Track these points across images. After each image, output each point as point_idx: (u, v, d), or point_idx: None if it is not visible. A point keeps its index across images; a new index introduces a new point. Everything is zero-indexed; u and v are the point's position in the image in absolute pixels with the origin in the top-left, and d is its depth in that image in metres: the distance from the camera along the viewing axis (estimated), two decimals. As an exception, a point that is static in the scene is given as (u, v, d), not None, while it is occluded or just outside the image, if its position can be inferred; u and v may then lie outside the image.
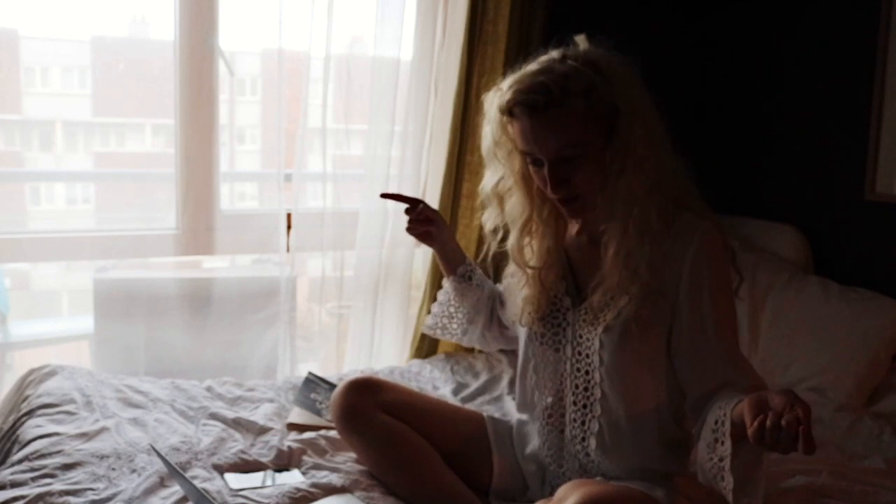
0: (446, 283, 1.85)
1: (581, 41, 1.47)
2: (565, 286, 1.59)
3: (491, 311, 1.81)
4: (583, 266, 1.57)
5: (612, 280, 1.46)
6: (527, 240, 1.59)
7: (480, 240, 2.57)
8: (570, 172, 1.44)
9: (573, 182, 1.45)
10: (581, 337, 1.54)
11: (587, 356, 1.53)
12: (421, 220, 1.76)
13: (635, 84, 1.44)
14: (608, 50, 1.45)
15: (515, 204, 1.58)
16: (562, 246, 1.60)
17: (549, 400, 1.60)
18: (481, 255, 1.75)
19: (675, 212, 1.47)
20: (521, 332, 1.66)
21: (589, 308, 1.52)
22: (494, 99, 1.49)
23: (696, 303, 1.45)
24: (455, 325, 1.83)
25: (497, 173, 1.58)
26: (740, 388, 1.37)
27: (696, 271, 1.44)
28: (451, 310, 1.83)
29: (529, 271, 1.58)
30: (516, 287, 1.62)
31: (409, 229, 1.78)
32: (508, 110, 1.45)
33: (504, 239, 1.65)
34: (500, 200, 1.61)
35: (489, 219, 1.65)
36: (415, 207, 1.77)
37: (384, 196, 1.83)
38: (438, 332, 1.88)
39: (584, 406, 1.55)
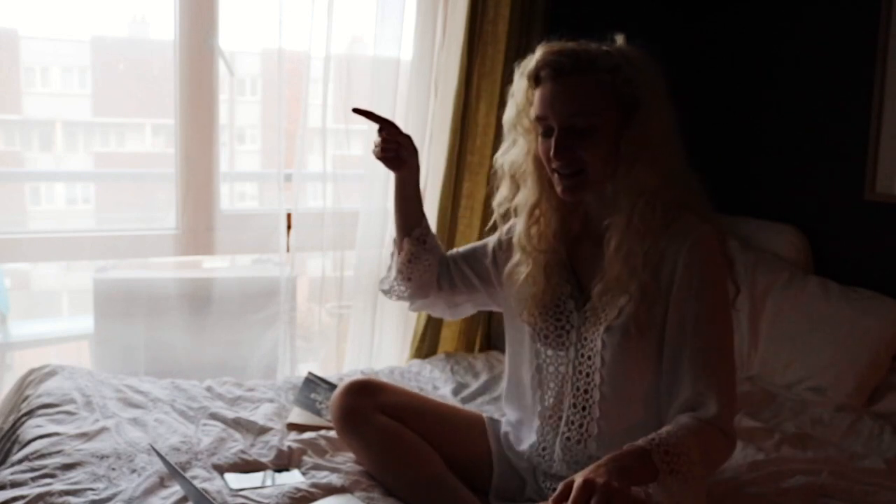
0: (404, 245, 1.74)
1: (619, 39, 1.51)
2: (570, 289, 1.58)
3: (440, 279, 1.76)
4: (587, 269, 1.57)
5: (612, 273, 1.47)
6: (534, 229, 1.59)
7: (480, 239, 2.57)
8: (576, 146, 1.45)
9: (577, 157, 1.46)
10: (585, 339, 1.54)
11: (589, 357, 1.53)
12: (391, 145, 1.66)
13: (660, 83, 1.48)
14: (643, 52, 1.50)
15: (526, 189, 1.58)
16: (566, 242, 1.59)
17: (550, 401, 1.60)
18: (493, 247, 1.72)
19: (677, 212, 1.47)
20: (524, 332, 1.65)
21: (591, 309, 1.52)
22: (526, 65, 1.52)
23: (678, 308, 1.45)
24: (405, 287, 1.75)
25: (514, 147, 1.59)
26: (693, 420, 1.38)
27: (685, 274, 1.44)
28: (405, 272, 1.74)
29: (533, 256, 1.58)
30: (521, 282, 1.61)
31: (380, 150, 1.66)
32: (536, 74, 1.49)
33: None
34: (516, 185, 1.61)
35: (501, 202, 1.64)
36: (387, 129, 1.67)
37: (356, 111, 1.71)
38: (394, 297, 1.80)
39: (584, 409, 1.55)
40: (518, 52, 2.51)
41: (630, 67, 1.45)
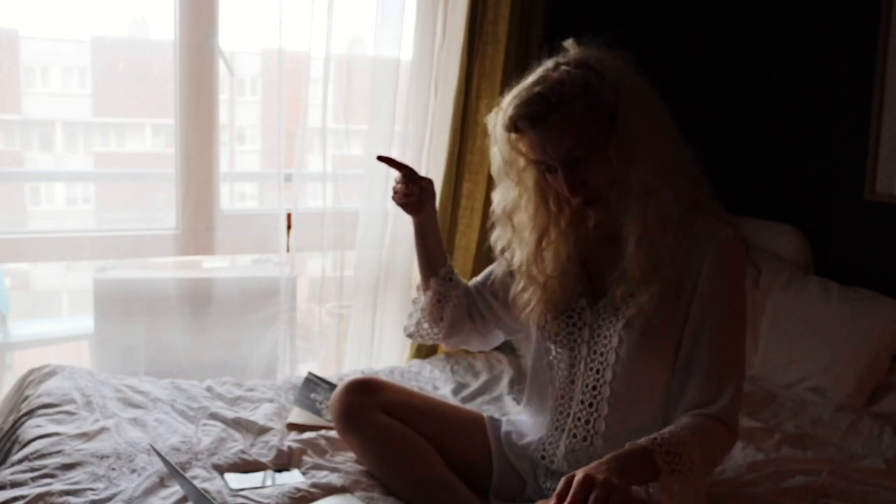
0: (428, 286, 1.75)
1: (571, 46, 1.49)
2: (581, 288, 1.59)
3: (471, 312, 1.76)
4: (599, 264, 1.58)
5: (634, 273, 1.46)
6: (545, 254, 1.58)
7: (480, 240, 2.57)
8: (583, 173, 1.45)
9: (590, 182, 1.46)
10: (599, 336, 1.54)
11: (601, 354, 1.54)
12: (414, 190, 1.66)
13: (629, 74, 1.46)
14: (598, 48, 1.47)
15: (530, 217, 1.57)
16: (578, 249, 1.59)
17: (560, 398, 1.60)
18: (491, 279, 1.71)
19: (695, 213, 1.48)
20: (533, 331, 1.66)
21: (609, 305, 1.52)
22: (497, 119, 1.50)
23: (701, 310, 1.46)
24: (437, 329, 1.76)
25: (509, 192, 1.58)
26: (696, 419, 1.40)
27: (710, 280, 1.45)
28: (435, 313, 1.74)
29: (544, 280, 1.57)
30: (531, 293, 1.60)
31: (402, 197, 1.66)
32: (514, 126, 1.46)
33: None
34: (510, 219, 1.60)
35: (499, 238, 1.63)
36: (409, 175, 1.66)
37: (380, 159, 1.71)
38: (419, 336, 1.80)
39: (591, 405, 1.55)
40: (518, 52, 2.52)
41: (596, 75, 1.42)
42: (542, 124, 1.43)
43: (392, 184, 1.71)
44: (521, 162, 1.52)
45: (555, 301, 1.58)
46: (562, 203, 1.54)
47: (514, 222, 1.59)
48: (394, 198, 1.69)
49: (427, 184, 1.68)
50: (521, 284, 1.62)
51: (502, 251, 1.65)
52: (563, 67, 1.44)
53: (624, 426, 1.52)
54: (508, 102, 1.47)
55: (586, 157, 1.44)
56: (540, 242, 1.57)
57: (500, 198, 1.60)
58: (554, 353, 1.61)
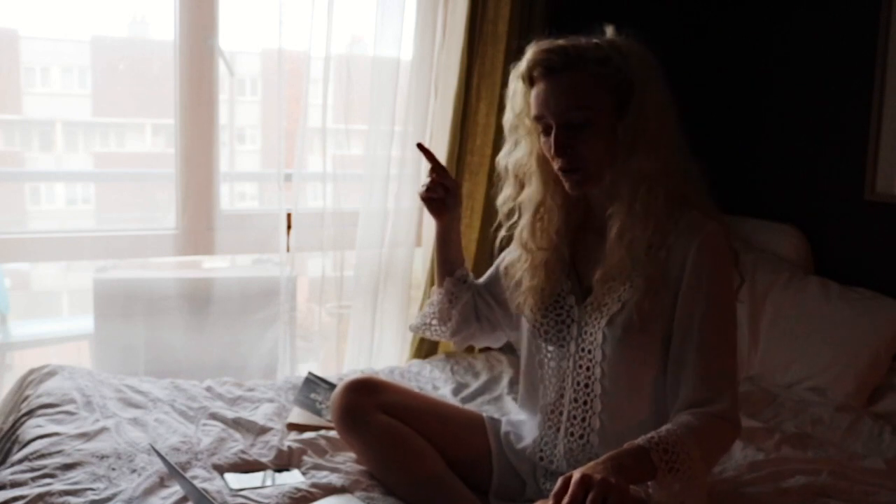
0: (442, 285, 1.78)
1: (609, 31, 1.52)
2: (570, 285, 1.59)
3: (478, 312, 1.78)
4: (587, 261, 1.58)
5: (613, 259, 1.47)
6: (539, 224, 1.60)
7: (480, 240, 2.57)
8: (576, 141, 1.46)
9: (578, 152, 1.46)
10: (586, 333, 1.54)
11: (589, 351, 1.54)
12: (438, 188, 1.69)
13: (652, 69, 1.48)
14: (632, 39, 1.50)
15: (531, 188, 1.59)
16: (568, 236, 1.60)
17: (552, 396, 1.60)
18: (499, 236, 1.69)
19: (682, 208, 1.48)
20: (524, 329, 1.66)
21: (595, 302, 1.53)
22: (519, 67, 1.53)
23: (688, 308, 1.45)
24: (445, 328, 1.79)
25: (517, 148, 1.60)
26: (694, 417, 1.39)
27: (695, 272, 1.45)
28: (445, 312, 1.77)
29: (535, 254, 1.59)
30: (521, 275, 1.62)
31: (425, 191, 1.69)
32: (529, 74, 1.49)
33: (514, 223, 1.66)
34: (520, 183, 1.61)
35: (505, 200, 1.65)
36: (438, 172, 1.70)
37: (420, 147, 1.75)
38: (427, 332, 1.83)
39: (585, 403, 1.55)
40: (518, 52, 2.51)
41: (620, 57, 1.45)
42: (553, 76, 1.46)
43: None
44: (528, 122, 1.54)
45: (544, 287, 1.58)
46: (558, 180, 1.54)
47: (524, 182, 1.61)
48: (419, 193, 1.71)
49: (452, 185, 1.70)
50: (516, 254, 1.63)
51: (508, 214, 1.65)
52: (595, 40, 1.48)
53: (619, 423, 1.52)
54: (531, 50, 1.50)
55: (583, 127, 1.45)
56: (536, 213, 1.59)
57: (507, 151, 1.62)
58: (544, 351, 1.61)
